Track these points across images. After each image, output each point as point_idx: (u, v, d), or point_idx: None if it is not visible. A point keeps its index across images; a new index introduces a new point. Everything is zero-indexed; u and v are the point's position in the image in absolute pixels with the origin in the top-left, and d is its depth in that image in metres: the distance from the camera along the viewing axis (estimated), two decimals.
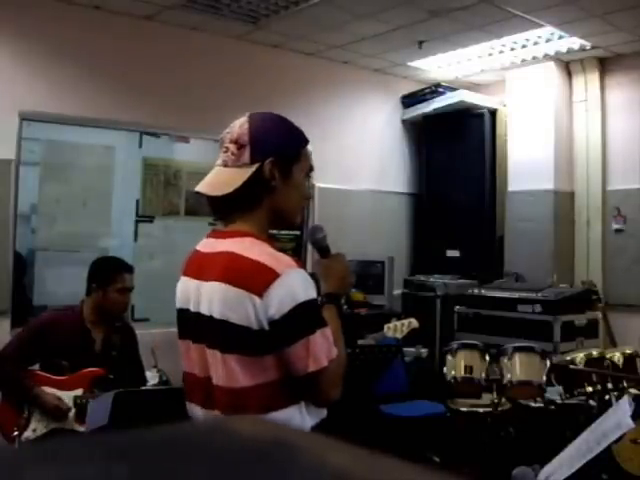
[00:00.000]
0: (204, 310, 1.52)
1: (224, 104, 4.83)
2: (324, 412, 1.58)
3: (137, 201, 4.76)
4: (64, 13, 4.29)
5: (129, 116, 4.58)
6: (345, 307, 1.67)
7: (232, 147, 1.54)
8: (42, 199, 4.44)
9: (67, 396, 2.84)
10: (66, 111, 4.30)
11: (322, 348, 1.45)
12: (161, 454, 0.33)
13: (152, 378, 3.29)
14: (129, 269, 3.13)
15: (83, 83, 4.39)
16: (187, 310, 1.58)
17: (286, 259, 1.48)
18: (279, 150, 1.55)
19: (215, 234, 1.63)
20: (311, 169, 1.65)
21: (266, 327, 1.43)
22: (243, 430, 0.36)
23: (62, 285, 4.16)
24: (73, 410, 2.84)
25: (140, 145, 4.78)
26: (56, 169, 4.50)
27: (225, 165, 1.55)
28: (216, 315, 1.47)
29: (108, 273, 3.05)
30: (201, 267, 1.56)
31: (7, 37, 4.14)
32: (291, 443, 0.35)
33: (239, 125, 1.56)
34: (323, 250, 1.76)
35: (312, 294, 1.48)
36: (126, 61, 4.57)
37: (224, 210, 1.60)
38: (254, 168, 1.52)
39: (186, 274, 1.62)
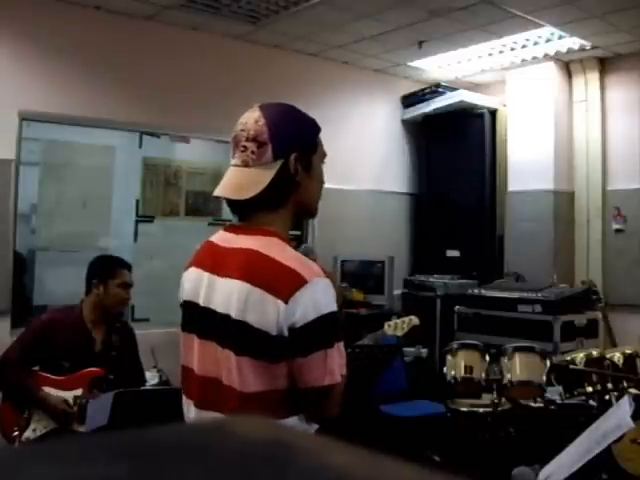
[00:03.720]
0: (218, 307, 1.44)
1: (224, 104, 4.84)
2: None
3: (137, 201, 4.76)
4: (64, 13, 4.29)
5: (129, 116, 4.58)
6: None
7: (251, 146, 1.44)
8: (42, 199, 4.45)
9: (67, 396, 2.84)
10: (66, 111, 4.30)
11: (337, 363, 1.41)
12: (161, 454, 0.33)
13: (152, 378, 3.30)
14: (128, 266, 3.17)
15: (83, 83, 4.39)
16: (195, 304, 1.50)
17: (313, 266, 1.42)
18: (300, 144, 1.48)
19: (234, 229, 1.53)
20: (325, 155, 1.59)
21: (285, 334, 1.36)
22: (243, 430, 0.36)
23: (62, 285, 4.16)
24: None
25: (140, 145, 4.78)
26: (56, 169, 4.50)
27: (246, 165, 1.45)
28: (234, 315, 1.40)
29: (109, 268, 3.08)
30: (216, 261, 1.48)
31: (7, 37, 4.14)
32: (290, 443, 0.35)
33: (254, 121, 1.45)
34: None
35: (334, 306, 1.42)
36: (126, 61, 4.57)
37: (248, 212, 1.50)
38: (278, 165, 1.44)
39: (197, 265, 1.54)
